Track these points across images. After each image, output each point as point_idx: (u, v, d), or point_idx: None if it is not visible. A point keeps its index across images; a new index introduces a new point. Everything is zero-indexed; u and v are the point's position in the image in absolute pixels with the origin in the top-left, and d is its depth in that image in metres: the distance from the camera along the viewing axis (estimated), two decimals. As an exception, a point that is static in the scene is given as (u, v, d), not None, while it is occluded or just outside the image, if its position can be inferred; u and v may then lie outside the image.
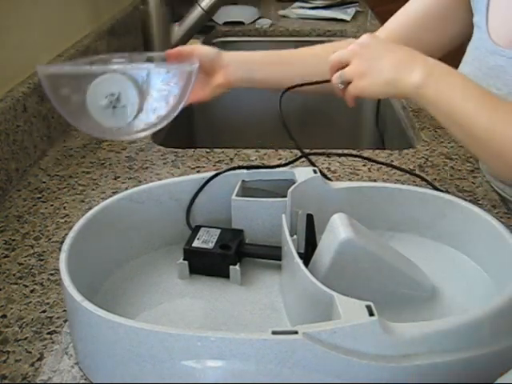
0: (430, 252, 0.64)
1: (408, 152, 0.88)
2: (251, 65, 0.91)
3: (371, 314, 0.43)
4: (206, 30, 1.59)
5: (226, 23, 1.68)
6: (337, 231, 0.53)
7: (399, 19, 0.89)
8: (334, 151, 0.84)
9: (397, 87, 0.67)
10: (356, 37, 1.74)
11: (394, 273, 0.55)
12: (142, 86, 0.81)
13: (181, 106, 0.81)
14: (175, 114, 0.82)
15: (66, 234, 0.56)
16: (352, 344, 0.43)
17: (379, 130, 1.32)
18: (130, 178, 0.82)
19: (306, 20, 1.73)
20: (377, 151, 0.89)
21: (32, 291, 0.60)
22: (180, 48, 0.91)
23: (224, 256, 0.60)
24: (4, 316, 0.57)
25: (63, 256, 0.52)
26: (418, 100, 0.67)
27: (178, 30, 1.20)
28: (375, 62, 0.68)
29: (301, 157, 0.70)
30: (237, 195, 0.64)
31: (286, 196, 0.62)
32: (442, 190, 0.68)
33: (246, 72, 0.91)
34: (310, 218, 0.58)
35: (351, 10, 1.75)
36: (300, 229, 0.61)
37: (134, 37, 1.40)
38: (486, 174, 0.93)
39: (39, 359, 0.51)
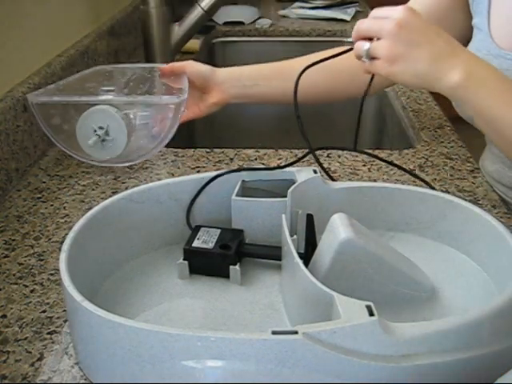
0: (430, 252, 0.64)
1: (408, 152, 0.88)
2: (245, 81, 0.91)
3: (371, 313, 0.43)
4: (205, 30, 1.59)
5: (226, 23, 1.68)
6: (337, 231, 0.53)
7: None
8: (346, 147, 0.82)
9: (431, 83, 0.64)
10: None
11: (394, 273, 0.55)
12: (131, 118, 0.82)
13: (170, 136, 0.82)
14: (165, 143, 0.83)
15: (66, 234, 0.55)
16: (352, 344, 0.43)
17: (379, 130, 1.32)
18: (130, 178, 0.82)
19: (306, 20, 1.73)
20: (377, 151, 0.89)
21: (32, 291, 0.60)
22: (172, 65, 0.91)
23: (224, 256, 0.60)
24: (4, 316, 0.57)
25: (63, 256, 0.52)
26: (454, 100, 0.64)
27: (177, 29, 1.20)
28: (412, 49, 0.62)
29: (308, 153, 0.67)
30: (237, 195, 0.64)
31: (286, 196, 0.62)
32: (442, 191, 0.68)
33: (240, 89, 0.90)
34: (310, 218, 0.58)
35: (351, 10, 1.75)
36: (300, 229, 0.61)
37: (133, 37, 1.40)
38: (487, 175, 0.93)
39: (39, 359, 0.51)
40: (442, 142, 0.92)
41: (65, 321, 0.56)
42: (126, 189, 0.77)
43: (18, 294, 0.60)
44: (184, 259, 0.61)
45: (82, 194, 0.78)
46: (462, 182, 0.79)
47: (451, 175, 0.81)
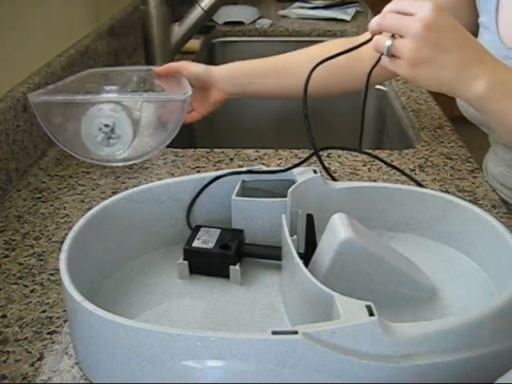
0: (430, 252, 0.64)
1: (408, 152, 0.88)
2: (241, 79, 0.91)
3: (371, 314, 0.43)
4: (205, 30, 1.59)
5: (226, 23, 1.68)
6: (337, 231, 0.53)
7: None
8: (350, 147, 0.82)
9: (454, 91, 0.62)
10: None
11: (394, 273, 0.55)
12: (136, 116, 0.82)
13: (175, 133, 0.83)
14: (169, 140, 0.83)
15: (66, 234, 0.55)
16: (352, 344, 0.43)
17: (379, 130, 1.32)
18: (130, 178, 0.82)
19: (306, 20, 1.73)
20: (377, 151, 0.89)
21: (32, 291, 0.60)
22: (167, 66, 0.91)
23: (224, 256, 0.60)
24: (4, 316, 0.57)
25: (63, 256, 0.52)
26: (478, 110, 0.62)
27: (177, 29, 1.20)
28: (439, 54, 0.59)
29: (313, 154, 0.66)
30: (237, 195, 0.64)
31: (286, 196, 0.62)
32: (442, 191, 0.67)
33: (236, 87, 0.91)
34: (310, 218, 0.58)
35: (351, 10, 1.75)
36: (300, 229, 0.61)
37: (133, 37, 1.40)
38: (491, 177, 0.93)
39: (39, 359, 0.51)
40: (442, 141, 0.92)
41: (65, 321, 0.56)
42: (126, 189, 0.77)
43: (18, 293, 0.60)
44: (184, 259, 0.61)
45: (82, 194, 0.78)
46: (462, 182, 0.79)
47: (451, 175, 0.81)
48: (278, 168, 0.65)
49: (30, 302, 0.58)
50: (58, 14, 1.01)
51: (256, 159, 0.86)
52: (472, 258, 0.62)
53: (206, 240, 0.62)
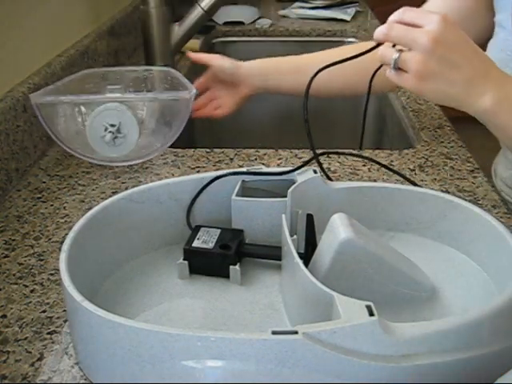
0: (430, 252, 0.64)
1: (408, 152, 0.88)
2: (265, 76, 0.94)
3: (371, 314, 0.43)
4: (206, 30, 1.59)
5: (226, 23, 1.68)
6: (337, 231, 0.53)
7: None
8: (347, 151, 0.83)
9: (460, 105, 0.61)
10: (356, 37, 1.74)
11: (394, 273, 0.55)
12: (141, 115, 0.82)
13: (179, 132, 0.84)
14: (174, 138, 0.84)
15: (66, 234, 0.56)
16: (352, 344, 0.43)
17: (379, 130, 1.32)
18: (130, 178, 0.82)
19: (306, 20, 1.73)
20: (377, 151, 0.89)
21: (32, 291, 0.60)
22: (199, 56, 0.93)
23: (224, 256, 0.60)
24: (4, 316, 0.57)
25: (63, 256, 0.52)
26: (484, 123, 0.62)
27: (177, 29, 1.20)
28: (447, 69, 0.59)
29: (312, 158, 0.66)
30: (237, 195, 0.64)
31: (286, 196, 0.62)
32: (442, 191, 0.67)
33: (263, 83, 0.94)
34: (310, 218, 0.58)
35: (351, 10, 1.75)
36: (300, 229, 0.61)
37: (133, 37, 1.40)
38: (499, 180, 0.93)
39: (39, 359, 0.51)
40: (442, 141, 0.92)
41: (65, 321, 0.56)
42: (126, 189, 0.77)
43: (18, 293, 0.60)
44: (184, 259, 0.61)
45: (82, 193, 0.78)
46: (462, 182, 0.79)
47: (451, 175, 0.81)
48: (279, 170, 0.65)
49: (30, 302, 0.58)
50: (58, 14, 1.01)
51: (256, 159, 0.86)
52: (472, 258, 0.62)
53: (206, 240, 0.62)
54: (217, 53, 1.68)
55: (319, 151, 0.68)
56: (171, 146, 0.87)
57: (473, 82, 0.60)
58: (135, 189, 0.63)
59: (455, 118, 1.01)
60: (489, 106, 0.60)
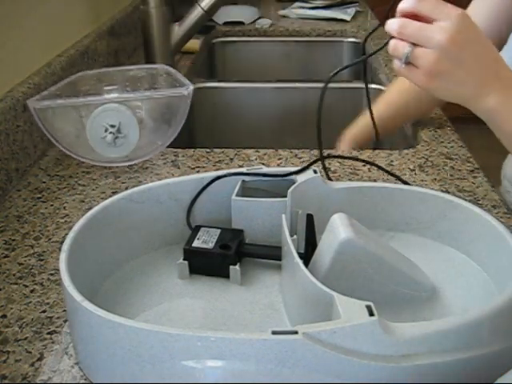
0: (430, 252, 0.64)
1: (408, 152, 0.88)
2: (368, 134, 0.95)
3: (371, 314, 0.43)
4: (206, 30, 1.59)
5: (226, 23, 1.68)
6: (337, 231, 0.53)
7: None
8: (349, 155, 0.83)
9: (467, 103, 0.61)
10: (356, 37, 1.74)
11: (394, 273, 0.55)
12: (140, 114, 0.82)
13: (178, 129, 0.83)
14: (174, 136, 0.84)
15: (66, 234, 0.56)
16: (352, 344, 0.43)
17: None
18: (130, 178, 0.82)
19: (306, 20, 1.73)
20: (377, 151, 0.89)
21: (32, 291, 0.60)
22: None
23: (224, 256, 0.60)
24: (4, 316, 0.57)
25: (63, 256, 0.52)
26: (486, 121, 0.62)
27: (177, 29, 1.20)
28: (458, 69, 0.58)
29: (317, 160, 0.66)
30: (237, 195, 0.64)
31: (286, 196, 0.62)
32: (442, 191, 0.67)
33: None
34: (310, 218, 0.58)
35: (351, 10, 1.75)
36: (300, 229, 0.61)
37: (133, 37, 1.40)
38: (508, 182, 0.92)
39: (39, 359, 0.51)
40: (442, 141, 0.92)
41: (65, 321, 0.56)
42: (126, 189, 0.77)
43: (18, 293, 0.60)
44: (184, 259, 0.61)
45: (82, 193, 0.78)
46: (462, 182, 0.79)
47: (451, 175, 0.81)
48: (279, 171, 0.65)
49: (30, 302, 0.58)
50: (57, 13, 1.01)
51: (256, 159, 0.86)
52: (472, 258, 0.62)
53: (206, 240, 0.62)
54: (217, 53, 1.69)
55: (324, 153, 0.68)
56: (171, 146, 0.87)
57: (482, 83, 0.59)
58: (135, 189, 0.63)
59: (455, 118, 1.01)
60: (493, 105, 0.59)
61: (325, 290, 0.47)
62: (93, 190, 0.79)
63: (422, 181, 0.79)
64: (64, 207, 0.75)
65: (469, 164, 0.84)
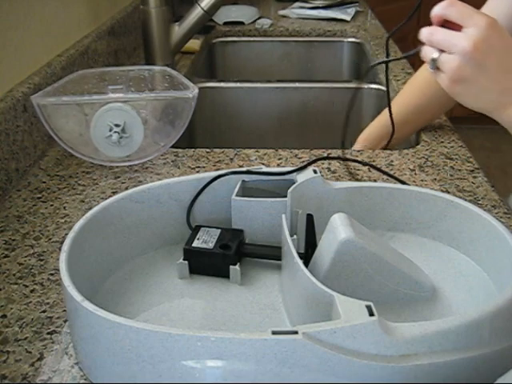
0: (430, 252, 0.64)
1: (408, 152, 0.88)
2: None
3: (371, 314, 0.44)
4: (205, 30, 1.59)
5: (226, 23, 1.68)
6: (337, 231, 0.53)
7: None
8: (350, 157, 0.83)
9: (491, 113, 0.62)
10: (356, 37, 1.74)
11: (394, 273, 0.55)
12: (144, 115, 0.83)
13: (182, 131, 0.84)
14: (177, 137, 0.84)
15: (66, 234, 0.56)
16: (352, 344, 0.43)
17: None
18: (130, 178, 0.82)
19: (306, 20, 1.73)
20: (377, 151, 0.89)
21: (32, 291, 0.60)
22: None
23: (224, 256, 0.60)
24: (4, 316, 0.57)
25: (63, 256, 0.52)
26: (510, 130, 0.62)
27: (178, 30, 1.20)
28: (481, 76, 0.59)
29: (316, 160, 0.66)
30: (237, 195, 0.64)
31: (286, 196, 0.62)
32: (442, 191, 0.67)
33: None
34: (310, 218, 0.58)
35: (351, 10, 1.75)
36: (300, 229, 0.61)
37: (133, 37, 1.40)
38: None
39: (39, 359, 0.51)
40: (442, 141, 0.92)
41: (65, 321, 0.56)
42: (126, 189, 0.77)
43: (18, 293, 0.60)
44: (184, 259, 0.61)
45: (82, 193, 0.78)
46: (462, 182, 0.79)
47: (451, 175, 0.81)
48: (279, 170, 0.65)
49: (30, 302, 0.58)
50: (57, 14, 1.01)
51: (256, 159, 0.86)
52: (472, 258, 0.62)
53: (206, 240, 0.62)
54: (217, 53, 1.69)
55: (322, 154, 0.68)
56: (171, 146, 0.87)
57: (505, 92, 0.59)
58: (135, 189, 0.63)
59: (455, 118, 1.01)
60: None
61: (325, 290, 0.47)
62: (93, 190, 0.79)
63: (422, 181, 0.79)
64: (64, 207, 0.75)
65: (469, 164, 0.84)
